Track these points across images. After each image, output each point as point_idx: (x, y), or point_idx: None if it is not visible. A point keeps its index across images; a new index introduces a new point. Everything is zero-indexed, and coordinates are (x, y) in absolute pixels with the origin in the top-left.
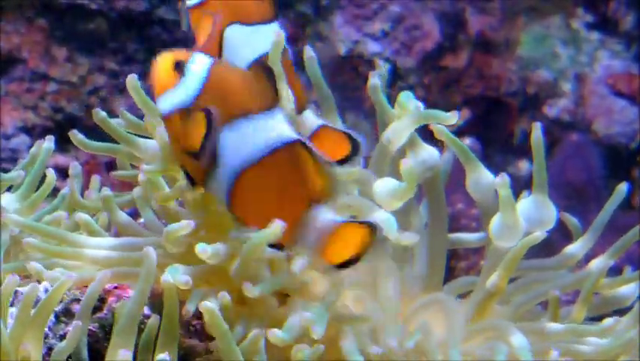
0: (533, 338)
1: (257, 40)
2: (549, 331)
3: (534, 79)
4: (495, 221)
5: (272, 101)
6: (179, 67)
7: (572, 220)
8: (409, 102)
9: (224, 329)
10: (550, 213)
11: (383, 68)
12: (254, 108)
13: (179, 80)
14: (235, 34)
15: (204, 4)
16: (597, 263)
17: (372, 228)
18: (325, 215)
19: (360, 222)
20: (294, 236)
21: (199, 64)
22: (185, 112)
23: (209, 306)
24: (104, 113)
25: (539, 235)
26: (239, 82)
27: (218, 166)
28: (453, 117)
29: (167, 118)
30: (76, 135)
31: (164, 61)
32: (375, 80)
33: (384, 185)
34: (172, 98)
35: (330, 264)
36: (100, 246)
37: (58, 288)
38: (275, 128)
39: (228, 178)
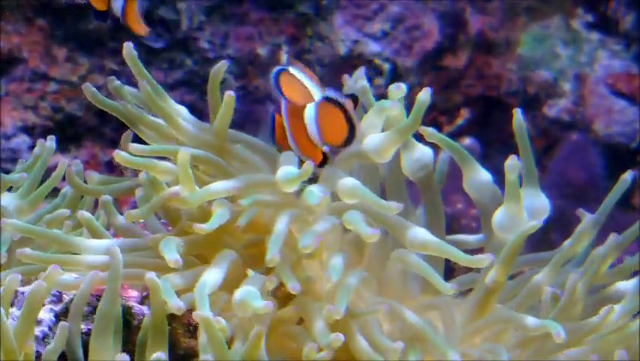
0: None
1: None
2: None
3: (534, 79)
4: (498, 212)
5: None
6: None
7: (585, 215)
8: (397, 93)
9: (220, 340)
10: (543, 202)
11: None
12: None
13: None
14: None
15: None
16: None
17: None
18: None
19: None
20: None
21: None
22: None
23: (204, 315)
24: (118, 82)
25: (535, 223)
26: None
27: None
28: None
29: None
30: (121, 154)
31: None
32: (364, 83)
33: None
34: None
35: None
36: (98, 249)
37: (47, 277)
38: None
39: None
